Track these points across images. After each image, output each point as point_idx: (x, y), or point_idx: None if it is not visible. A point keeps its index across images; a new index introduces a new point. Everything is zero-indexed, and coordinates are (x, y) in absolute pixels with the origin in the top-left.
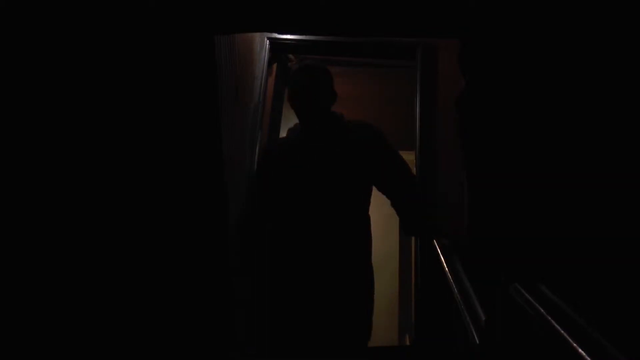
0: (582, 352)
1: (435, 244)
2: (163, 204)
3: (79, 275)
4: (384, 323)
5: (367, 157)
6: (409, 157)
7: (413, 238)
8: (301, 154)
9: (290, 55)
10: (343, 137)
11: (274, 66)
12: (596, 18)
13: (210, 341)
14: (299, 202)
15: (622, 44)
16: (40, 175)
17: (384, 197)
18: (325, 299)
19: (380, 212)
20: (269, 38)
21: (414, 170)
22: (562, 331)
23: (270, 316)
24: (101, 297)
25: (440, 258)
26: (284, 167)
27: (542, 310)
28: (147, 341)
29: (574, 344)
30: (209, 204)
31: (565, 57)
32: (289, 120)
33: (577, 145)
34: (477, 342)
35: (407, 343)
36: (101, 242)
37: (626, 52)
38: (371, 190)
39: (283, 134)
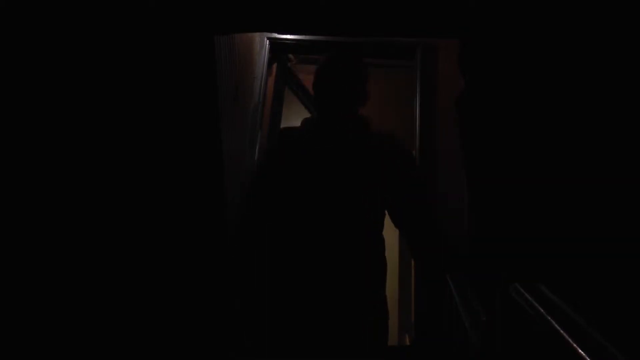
0: (582, 352)
1: None
2: (162, 203)
3: (77, 274)
4: None
5: (387, 173)
6: None
7: None
8: (314, 153)
9: (290, 55)
10: (365, 144)
11: (274, 66)
12: (595, 18)
13: (209, 340)
14: (304, 207)
15: (621, 44)
16: (40, 173)
17: None
18: (327, 318)
19: None
20: (269, 38)
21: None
22: (562, 331)
23: (270, 317)
24: (100, 295)
25: None
26: (293, 164)
27: (542, 310)
28: (146, 340)
29: (574, 344)
30: (208, 203)
31: (564, 57)
32: (289, 120)
33: (577, 146)
34: (477, 342)
35: (407, 343)
36: (100, 240)
37: (625, 52)
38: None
39: None
